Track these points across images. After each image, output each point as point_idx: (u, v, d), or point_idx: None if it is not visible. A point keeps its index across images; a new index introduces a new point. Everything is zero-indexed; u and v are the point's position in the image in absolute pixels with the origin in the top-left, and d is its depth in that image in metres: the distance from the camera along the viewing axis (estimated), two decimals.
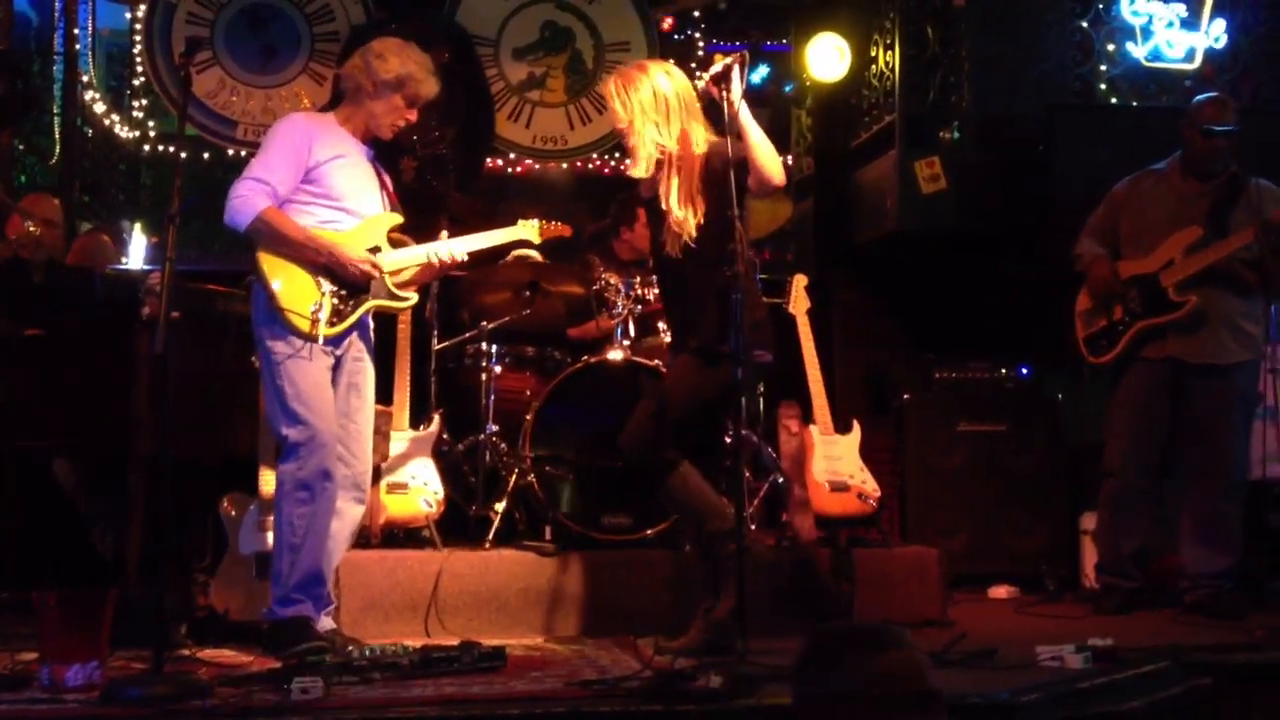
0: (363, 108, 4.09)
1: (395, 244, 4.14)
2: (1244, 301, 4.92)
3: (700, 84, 4.06)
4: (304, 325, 3.89)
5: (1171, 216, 4.98)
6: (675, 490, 4.09)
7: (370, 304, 4.05)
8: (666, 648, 3.95)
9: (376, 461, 4.63)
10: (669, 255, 4.11)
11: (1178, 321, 4.88)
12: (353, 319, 4.00)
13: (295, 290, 3.91)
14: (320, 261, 3.94)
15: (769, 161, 3.95)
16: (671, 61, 4.35)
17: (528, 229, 4.48)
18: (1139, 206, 5.10)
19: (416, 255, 4.20)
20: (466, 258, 4.22)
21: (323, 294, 3.94)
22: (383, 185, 4.18)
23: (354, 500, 4.08)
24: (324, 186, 3.99)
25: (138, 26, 6.88)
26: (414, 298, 4.23)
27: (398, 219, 4.16)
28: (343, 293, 3.98)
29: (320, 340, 3.90)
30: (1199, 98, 5.14)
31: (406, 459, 4.89)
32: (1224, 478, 4.93)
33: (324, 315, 3.91)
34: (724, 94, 3.88)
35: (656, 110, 4.05)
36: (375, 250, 4.05)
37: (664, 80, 4.09)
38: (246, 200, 3.89)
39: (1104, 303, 5.09)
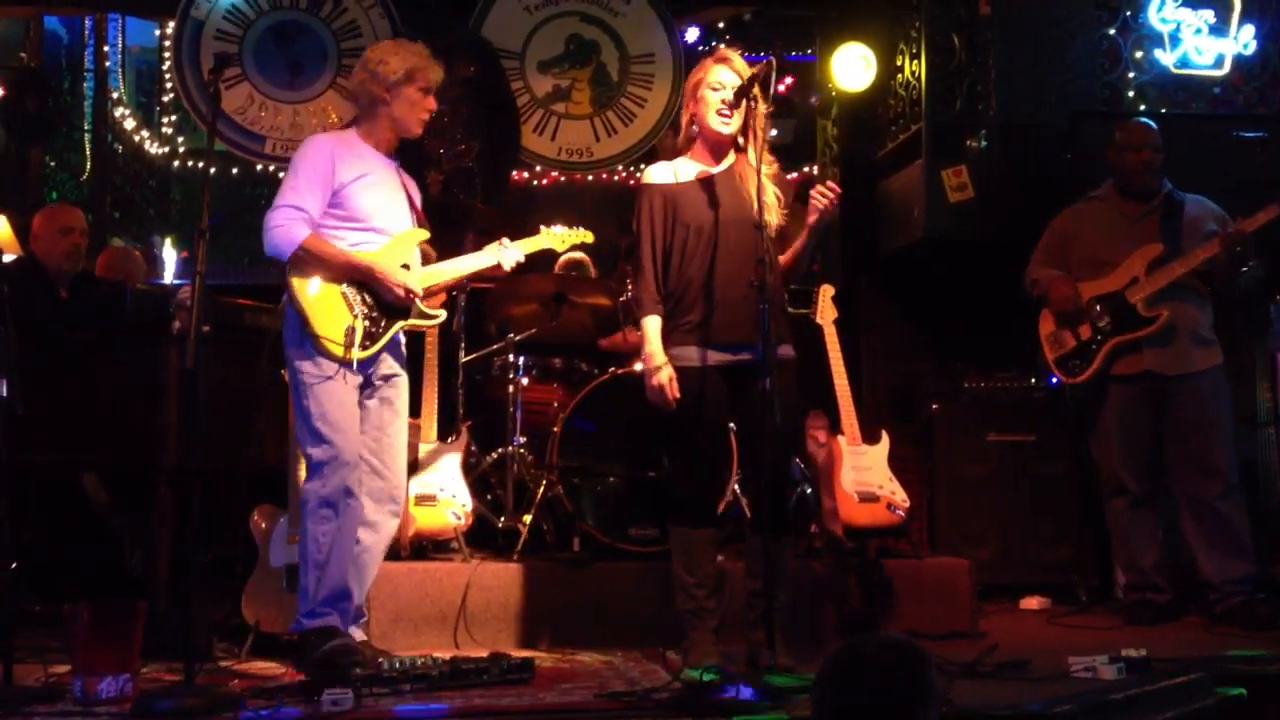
0: (383, 116, 4.10)
1: (423, 258, 4.16)
2: (1203, 312, 5.03)
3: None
4: (338, 350, 3.91)
5: (1124, 237, 5.08)
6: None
7: (400, 324, 4.07)
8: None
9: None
10: None
11: (1151, 335, 4.93)
12: (384, 340, 4.03)
13: (327, 315, 3.93)
14: (361, 280, 3.97)
15: None
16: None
17: (551, 238, 4.50)
18: (1087, 232, 5.20)
19: (444, 270, 4.21)
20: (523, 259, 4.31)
21: (355, 317, 3.96)
22: (410, 199, 4.19)
23: (389, 513, 4.10)
24: (349, 209, 4.01)
25: (167, 43, 6.93)
26: (442, 315, 4.24)
27: (424, 234, 4.17)
28: (374, 314, 4.00)
29: (355, 365, 3.93)
30: (1124, 124, 5.25)
31: (435, 471, 4.90)
32: (1218, 479, 4.91)
33: (357, 339, 3.93)
34: (751, 104, 3.89)
35: None
36: (406, 268, 4.07)
37: None
38: (286, 230, 3.91)
39: (1069, 322, 5.13)
